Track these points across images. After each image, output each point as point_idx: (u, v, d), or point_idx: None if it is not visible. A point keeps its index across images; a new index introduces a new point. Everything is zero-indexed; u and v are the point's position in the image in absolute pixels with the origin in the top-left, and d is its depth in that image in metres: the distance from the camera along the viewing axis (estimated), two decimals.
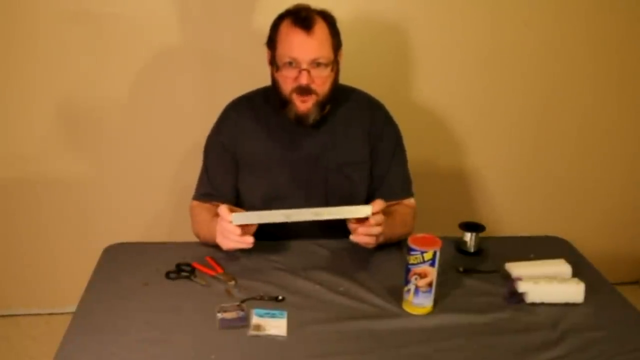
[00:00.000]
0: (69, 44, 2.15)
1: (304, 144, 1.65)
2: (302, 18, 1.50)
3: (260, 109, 1.68)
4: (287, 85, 1.54)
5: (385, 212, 1.59)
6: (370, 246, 1.49)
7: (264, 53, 1.61)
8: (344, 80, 1.66)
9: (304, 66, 1.50)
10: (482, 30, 2.33)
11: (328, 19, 1.54)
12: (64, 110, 2.24)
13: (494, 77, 2.40)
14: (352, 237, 1.45)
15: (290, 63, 1.52)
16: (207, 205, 1.67)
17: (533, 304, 1.40)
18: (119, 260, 1.55)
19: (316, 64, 1.51)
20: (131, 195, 2.38)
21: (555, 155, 2.56)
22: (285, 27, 1.52)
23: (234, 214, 1.42)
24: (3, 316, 2.50)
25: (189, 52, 2.22)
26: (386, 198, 1.68)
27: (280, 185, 1.66)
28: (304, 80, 1.51)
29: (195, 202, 1.71)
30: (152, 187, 2.38)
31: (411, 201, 1.74)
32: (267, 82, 1.64)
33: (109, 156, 2.33)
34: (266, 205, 1.63)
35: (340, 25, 1.58)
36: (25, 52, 2.15)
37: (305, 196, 1.66)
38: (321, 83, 1.54)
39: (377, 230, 1.45)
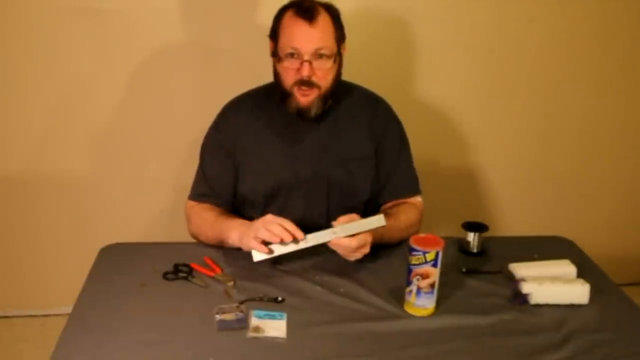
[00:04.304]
0: (65, 40, 2.13)
1: (306, 139, 1.64)
2: (304, 9, 1.50)
3: (261, 105, 1.67)
4: (288, 78, 1.53)
5: (389, 212, 1.58)
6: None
7: (265, 49, 1.60)
8: (345, 75, 1.64)
9: (306, 57, 1.49)
10: (487, 27, 2.32)
11: (332, 11, 1.54)
12: (61, 107, 2.23)
13: (499, 75, 2.39)
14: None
15: (292, 54, 1.51)
16: (205, 205, 1.66)
17: (537, 305, 1.38)
18: (115, 260, 1.53)
19: (318, 55, 1.50)
20: (128, 194, 2.36)
21: (560, 154, 2.55)
22: (288, 18, 1.52)
23: (253, 251, 1.43)
24: None
25: (188, 48, 2.20)
26: (392, 196, 1.70)
27: (282, 180, 1.64)
28: (305, 71, 1.49)
29: (193, 202, 1.69)
30: (150, 186, 2.36)
31: (417, 199, 1.72)
32: (269, 78, 1.63)
33: (105, 155, 2.31)
34: (268, 202, 1.63)
35: (343, 20, 1.57)
36: (21, 49, 2.13)
37: (306, 192, 1.65)
38: (323, 75, 1.52)
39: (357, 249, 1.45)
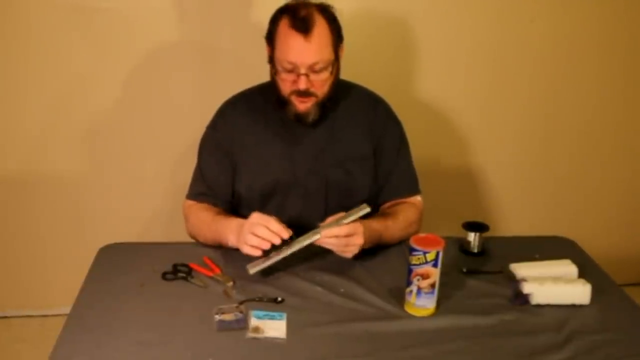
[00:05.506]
0: (63, 39, 2.13)
1: (304, 139, 1.63)
2: (300, 18, 1.47)
3: (259, 105, 1.66)
4: (285, 88, 1.53)
5: (387, 212, 1.58)
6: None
7: (263, 48, 1.58)
8: (345, 75, 1.64)
9: (303, 71, 1.48)
10: (488, 27, 2.31)
11: (328, 14, 1.51)
12: (59, 107, 2.22)
13: (499, 75, 2.39)
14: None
15: (288, 68, 1.49)
16: (203, 205, 1.65)
17: (538, 306, 1.37)
18: (114, 260, 1.53)
19: (315, 68, 1.49)
20: (127, 194, 2.36)
21: (561, 154, 2.55)
22: (284, 28, 1.49)
23: (248, 264, 1.42)
24: None
25: (186, 47, 2.20)
26: (392, 196, 1.69)
27: (279, 179, 1.64)
28: (302, 85, 1.49)
29: (191, 202, 1.68)
30: (149, 186, 2.36)
31: (417, 199, 1.71)
32: (267, 78, 1.62)
33: (104, 154, 2.31)
34: (265, 201, 1.62)
35: (342, 19, 1.55)
36: (19, 49, 2.12)
37: (304, 192, 1.64)
38: (320, 86, 1.52)
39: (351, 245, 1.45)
